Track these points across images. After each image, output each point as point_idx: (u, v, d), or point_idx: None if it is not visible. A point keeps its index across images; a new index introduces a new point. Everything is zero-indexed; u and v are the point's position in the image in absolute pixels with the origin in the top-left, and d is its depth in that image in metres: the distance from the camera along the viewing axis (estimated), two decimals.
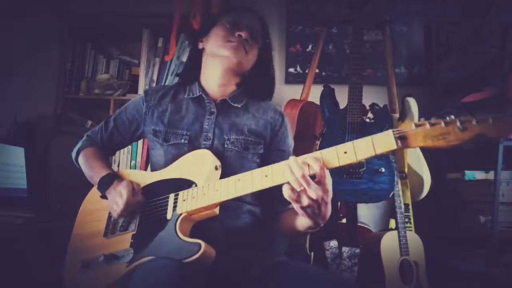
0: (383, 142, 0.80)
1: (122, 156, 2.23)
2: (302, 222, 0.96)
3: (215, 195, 0.96)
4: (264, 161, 1.17)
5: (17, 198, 1.87)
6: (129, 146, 2.22)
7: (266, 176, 0.90)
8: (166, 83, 2.21)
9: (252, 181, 0.92)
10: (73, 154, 1.30)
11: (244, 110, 1.21)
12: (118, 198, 1.05)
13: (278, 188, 0.88)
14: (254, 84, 1.23)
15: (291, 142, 1.25)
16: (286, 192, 0.84)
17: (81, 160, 1.26)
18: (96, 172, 1.18)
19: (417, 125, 0.78)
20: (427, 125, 0.77)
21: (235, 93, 1.21)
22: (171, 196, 1.03)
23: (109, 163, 1.26)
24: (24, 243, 1.63)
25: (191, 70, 1.27)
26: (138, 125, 1.25)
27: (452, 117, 0.75)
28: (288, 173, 0.84)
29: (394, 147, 0.78)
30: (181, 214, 0.99)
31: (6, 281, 1.53)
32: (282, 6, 2.52)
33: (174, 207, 1.01)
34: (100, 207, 1.16)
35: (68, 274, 1.09)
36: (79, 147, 1.28)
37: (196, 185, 1.01)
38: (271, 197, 1.09)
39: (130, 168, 2.18)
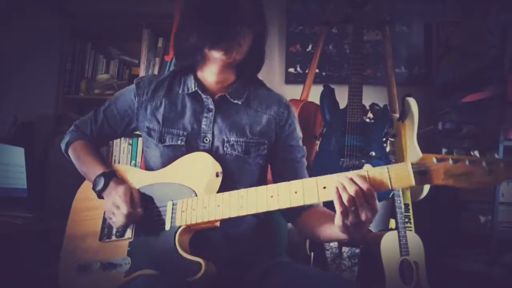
0: (399, 176, 0.74)
1: (122, 156, 2.23)
2: (335, 233, 0.88)
3: (217, 211, 0.91)
4: (271, 158, 1.14)
5: (17, 198, 1.87)
6: (129, 146, 2.22)
7: (271, 197, 0.86)
8: None
9: (257, 201, 0.87)
10: (63, 146, 1.24)
11: (245, 106, 1.12)
12: (116, 210, 1.00)
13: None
14: (247, 64, 1.11)
15: (299, 134, 1.18)
16: (337, 206, 0.80)
17: (71, 154, 1.20)
18: (90, 169, 1.12)
19: (438, 160, 0.71)
20: (450, 161, 0.70)
21: (234, 85, 1.12)
22: (169, 205, 0.98)
23: (103, 156, 1.19)
24: (24, 243, 1.63)
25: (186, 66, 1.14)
26: (130, 120, 1.17)
27: (477, 154, 0.71)
28: (340, 190, 0.79)
29: (412, 183, 0.72)
30: (180, 227, 0.95)
31: (6, 281, 1.53)
32: (282, 6, 2.52)
33: (173, 217, 0.97)
34: (93, 205, 1.11)
35: (64, 276, 1.06)
36: (68, 139, 1.21)
37: (195, 194, 0.97)
38: None
39: None
